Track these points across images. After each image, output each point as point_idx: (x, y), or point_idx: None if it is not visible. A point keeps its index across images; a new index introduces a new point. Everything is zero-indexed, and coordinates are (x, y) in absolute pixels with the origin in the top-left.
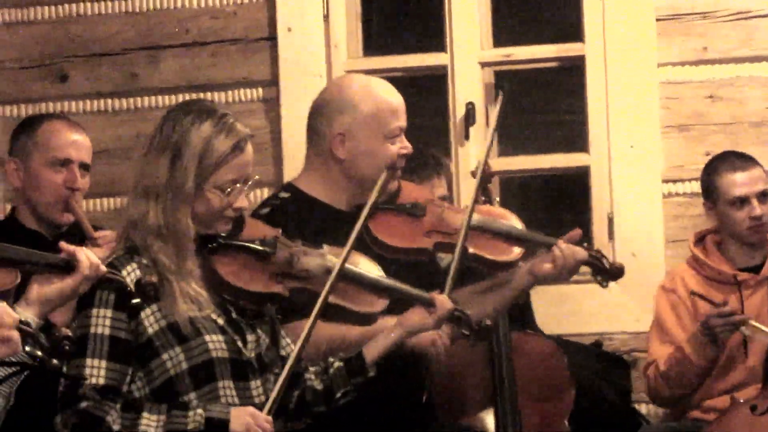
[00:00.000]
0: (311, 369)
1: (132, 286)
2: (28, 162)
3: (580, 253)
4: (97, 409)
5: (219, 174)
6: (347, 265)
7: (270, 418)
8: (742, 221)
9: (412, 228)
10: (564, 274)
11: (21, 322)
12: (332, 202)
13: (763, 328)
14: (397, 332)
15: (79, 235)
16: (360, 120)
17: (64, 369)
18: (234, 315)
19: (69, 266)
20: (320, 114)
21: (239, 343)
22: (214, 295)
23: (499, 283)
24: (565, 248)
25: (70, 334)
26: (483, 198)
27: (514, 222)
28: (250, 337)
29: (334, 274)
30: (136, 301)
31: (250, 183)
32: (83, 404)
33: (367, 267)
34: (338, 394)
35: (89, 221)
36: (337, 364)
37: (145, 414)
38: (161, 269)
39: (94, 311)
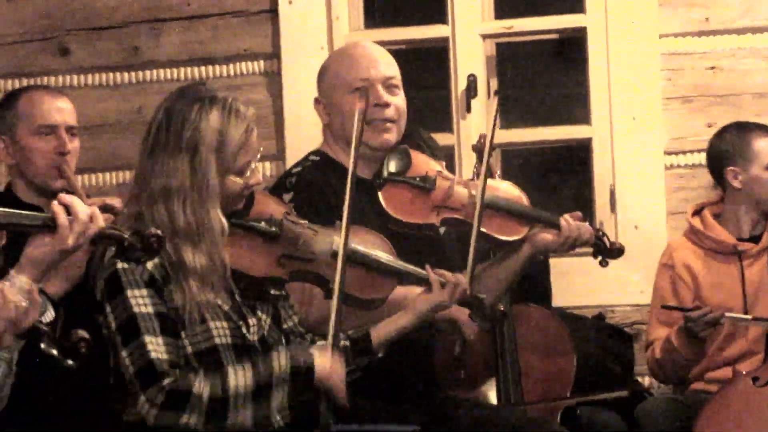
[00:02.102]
0: (318, 344)
1: (132, 240)
2: (14, 136)
3: (587, 230)
4: (180, 382)
5: (238, 161)
6: (356, 247)
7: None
8: None
9: (420, 202)
10: (565, 248)
11: (38, 321)
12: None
13: (741, 316)
14: (408, 317)
15: None
16: (328, 81)
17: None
18: (237, 297)
19: (53, 224)
20: None
21: (243, 329)
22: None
23: (501, 259)
24: (573, 222)
25: (86, 336)
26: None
27: (520, 197)
28: (251, 321)
29: (340, 259)
30: (139, 254)
31: (258, 156)
32: (165, 381)
33: (377, 247)
34: None
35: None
36: (342, 342)
37: (230, 371)
38: (185, 269)
39: (129, 293)
